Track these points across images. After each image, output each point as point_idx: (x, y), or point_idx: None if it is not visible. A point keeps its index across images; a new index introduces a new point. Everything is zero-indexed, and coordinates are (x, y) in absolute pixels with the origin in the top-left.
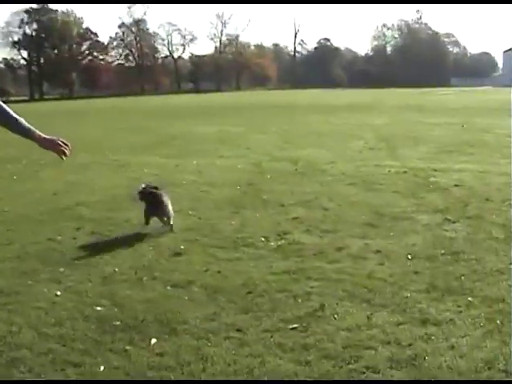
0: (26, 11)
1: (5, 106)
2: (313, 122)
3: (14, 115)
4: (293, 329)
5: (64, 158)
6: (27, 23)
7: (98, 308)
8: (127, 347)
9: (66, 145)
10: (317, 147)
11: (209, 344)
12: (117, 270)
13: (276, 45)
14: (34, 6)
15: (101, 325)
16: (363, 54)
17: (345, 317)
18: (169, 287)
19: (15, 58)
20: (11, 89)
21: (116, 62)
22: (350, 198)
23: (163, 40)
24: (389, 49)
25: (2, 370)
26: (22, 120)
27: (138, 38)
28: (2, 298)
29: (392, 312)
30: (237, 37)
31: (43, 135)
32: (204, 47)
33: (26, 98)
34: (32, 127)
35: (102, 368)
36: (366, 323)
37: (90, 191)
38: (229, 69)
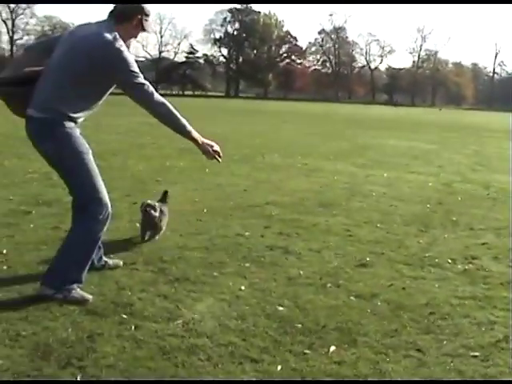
0: (230, 10)
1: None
2: (507, 148)
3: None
4: (474, 357)
5: (220, 160)
6: (229, 22)
7: (281, 308)
8: (306, 351)
9: (218, 153)
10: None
11: (387, 360)
12: (302, 272)
13: (475, 64)
14: (238, 6)
15: (282, 325)
16: None
17: None
18: (352, 297)
19: (215, 54)
20: (208, 84)
21: (312, 68)
22: None
23: (361, 49)
24: None
25: (182, 355)
26: (181, 118)
27: (336, 46)
28: (189, 285)
29: None
30: (435, 53)
31: (203, 139)
32: (401, 60)
33: (221, 94)
34: (189, 125)
35: (279, 367)
36: None
37: (280, 191)
38: (425, 84)
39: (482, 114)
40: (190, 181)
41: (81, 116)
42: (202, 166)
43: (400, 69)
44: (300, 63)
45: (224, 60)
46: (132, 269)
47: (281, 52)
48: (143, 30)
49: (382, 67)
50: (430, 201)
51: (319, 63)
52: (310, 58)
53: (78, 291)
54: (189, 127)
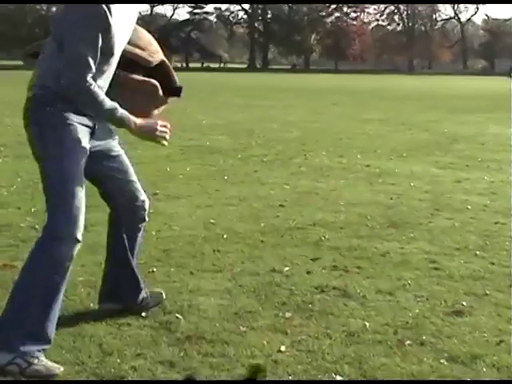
0: None
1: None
2: None
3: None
4: None
5: (166, 143)
6: None
7: (339, 378)
8: None
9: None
10: None
11: None
12: (367, 325)
13: None
14: None
15: None
16: None
17: None
18: (443, 360)
19: (232, 9)
20: (224, 51)
21: (374, 24)
22: None
23: None
24: None
25: None
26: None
27: None
28: (205, 346)
29: None
30: None
31: (138, 121)
32: (507, 7)
33: (243, 65)
34: (123, 111)
35: None
36: None
37: (332, 207)
38: None
39: None
40: (202, 194)
41: None
42: (217, 172)
43: (505, 20)
44: (356, 17)
45: (245, 17)
46: (121, 324)
47: (327, 3)
48: None
49: (478, 19)
50: None
51: (384, 17)
52: (371, 10)
53: (41, 360)
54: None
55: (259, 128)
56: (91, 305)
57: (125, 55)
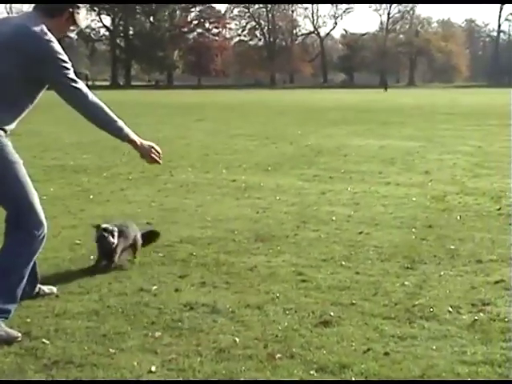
0: None
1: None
2: None
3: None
4: None
5: (160, 161)
6: None
7: None
8: None
9: (158, 153)
10: None
11: None
12: (237, 340)
13: (471, 21)
14: None
15: None
16: None
17: None
18: (313, 371)
19: (93, 26)
20: (85, 70)
21: (236, 39)
22: None
23: (305, 9)
24: None
25: None
26: (114, 118)
27: (269, 6)
28: (73, 370)
29: None
30: (412, 9)
31: (141, 140)
32: (363, 22)
33: (106, 83)
34: (126, 127)
35: None
36: None
37: (199, 223)
38: (398, 55)
39: (481, 92)
40: (66, 214)
41: (12, 125)
42: (82, 192)
43: (362, 34)
44: (217, 33)
45: (107, 33)
46: None
47: (189, 18)
48: (75, 24)
49: (336, 34)
50: (416, 223)
51: (245, 32)
52: (233, 26)
53: (2, 327)
54: (126, 129)
55: (125, 146)
56: None
57: None
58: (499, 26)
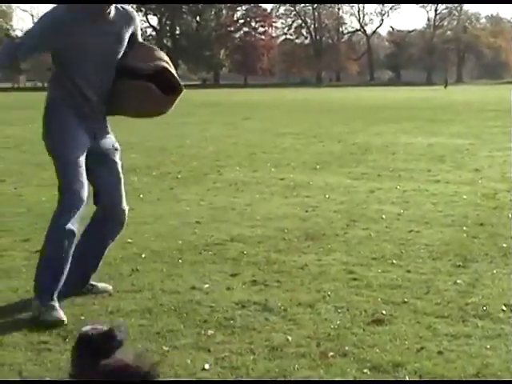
0: None
1: None
2: None
3: None
4: None
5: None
6: None
7: None
8: None
9: None
10: None
11: None
12: (290, 338)
13: None
14: None
15: None
16: None
17: None
18: (367, 370)
19: (140, 26)
20: None
21: (282, 38)
22: None
23: (351, 7)
24: None
25: None
26: None
27: (315, 4)
28: None
29: None
30: (460, 5)
31: None
32: (410, 19)
33: None
34: None
35: None
36: None
37: (248, 222)
38: (445, 51)
39: None
40: None
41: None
42: (132, 191)
43: (409, 31)
44: (264, 32)
45: (154, 33)
46: (41, 350)
47: (235, 17)
48: None
49: (383, 31)
50: (467, 221)
51: (291, 31)
52: (279, 24)
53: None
54: None
55: (173, 145)
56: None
57: (126, 66)
58: None
